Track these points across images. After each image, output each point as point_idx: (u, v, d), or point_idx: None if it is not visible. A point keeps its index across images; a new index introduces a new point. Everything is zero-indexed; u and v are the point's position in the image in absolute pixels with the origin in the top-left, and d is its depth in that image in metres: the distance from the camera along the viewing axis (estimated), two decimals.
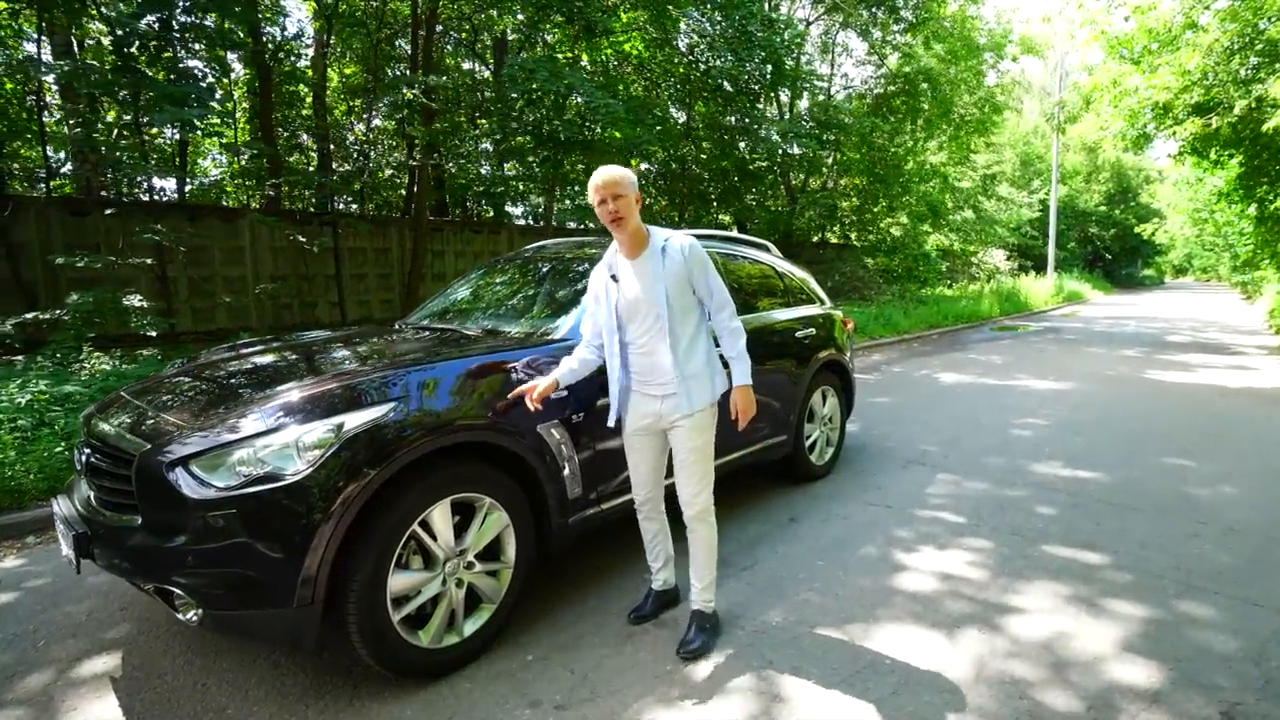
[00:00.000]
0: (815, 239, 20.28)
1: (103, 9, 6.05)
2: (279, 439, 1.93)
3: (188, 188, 11.63)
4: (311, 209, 11.16)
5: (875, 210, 17.91)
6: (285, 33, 10.49)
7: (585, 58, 11.81)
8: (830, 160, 17.87)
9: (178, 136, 10.67)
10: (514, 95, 9.35)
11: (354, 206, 12.90)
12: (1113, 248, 36.85)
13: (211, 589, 1.86)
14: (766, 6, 11.98)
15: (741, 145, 14.23)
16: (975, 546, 3.29)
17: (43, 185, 10.67)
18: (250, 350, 2.88)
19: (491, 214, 14.94)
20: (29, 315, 5.62)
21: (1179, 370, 8.67)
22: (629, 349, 2.33)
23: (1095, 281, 31.40)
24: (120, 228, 7.48)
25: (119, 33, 5.94)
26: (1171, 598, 2.80)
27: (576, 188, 13.53)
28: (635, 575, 2.93)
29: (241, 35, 8.69)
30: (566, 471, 2.53)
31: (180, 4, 6.75)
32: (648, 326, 2.27)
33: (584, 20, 9.03)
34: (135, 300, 6.22)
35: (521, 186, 12.93)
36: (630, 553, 3.15)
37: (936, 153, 19.56)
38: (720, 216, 19.33)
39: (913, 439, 5.26)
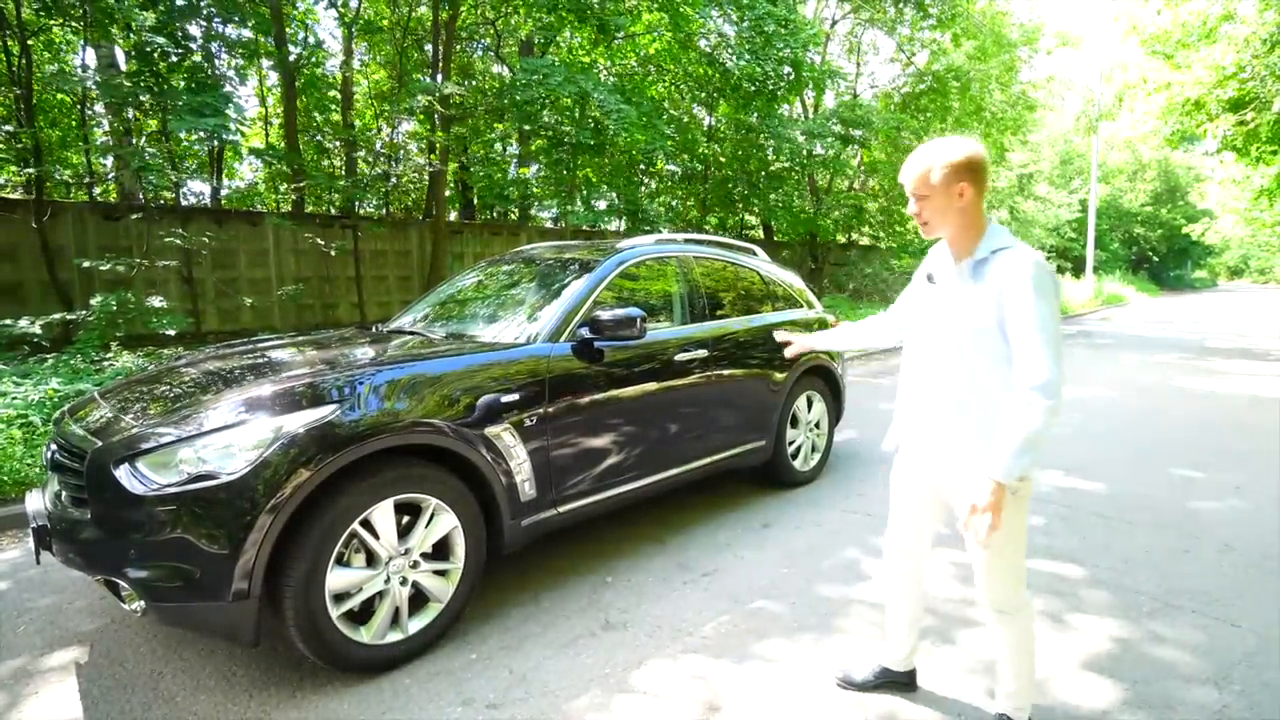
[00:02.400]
0: (843, 240, 20.01)
1: (131, 23, 6.30)
2: (220, 439, 2.01)
3: (224, 192, 12.07)
4: (333, 211, 11.46)
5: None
6: (310, 40, 10.77)
7: (603, 61, 11.89)
8: (856, 160, 17.62)
9: (214, 143, 11.10)
10: (528, 99, 9.45)
11: (384, 210, 13.23)
12: (1159, 249, 35.49)
13: (151, 581, 1.95)
14: (785, 7, 11.86)
15: (768, 147, 14.13)
16: (947, 558, 3.22)
17: (87, 190, 11.22)
18: (221, 353, 2.99)
19: (517, 216, 15.13)
20: (55, 316, 5.89)
21: (1212, 377, 8.32)
22: (927, 371, 1.87)
23: (1139, 284, 30.28)
24: (151, 232, 7.81)
25: (142, 38, 6.20)
26: (1145, 615, 2.71)
27: (587, 192, 13.61)
28: (592, 579, 2.95)
29: (270, 44, 9.01)
30: (518, 475, 2.57)
31: (203, 13, 7.03)
32: (947, 353, 1.80)
33: (598, 20, 9.09)
34: (156, 301, 6.48)
35: (537, 190, 13.06)
36: (587, 557, 3.17)
37: None
38: (746, 217, 19.23)
39: None
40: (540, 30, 10.74)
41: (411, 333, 3.15)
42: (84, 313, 6.18)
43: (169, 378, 2.62)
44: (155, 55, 6.71)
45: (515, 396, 2.56)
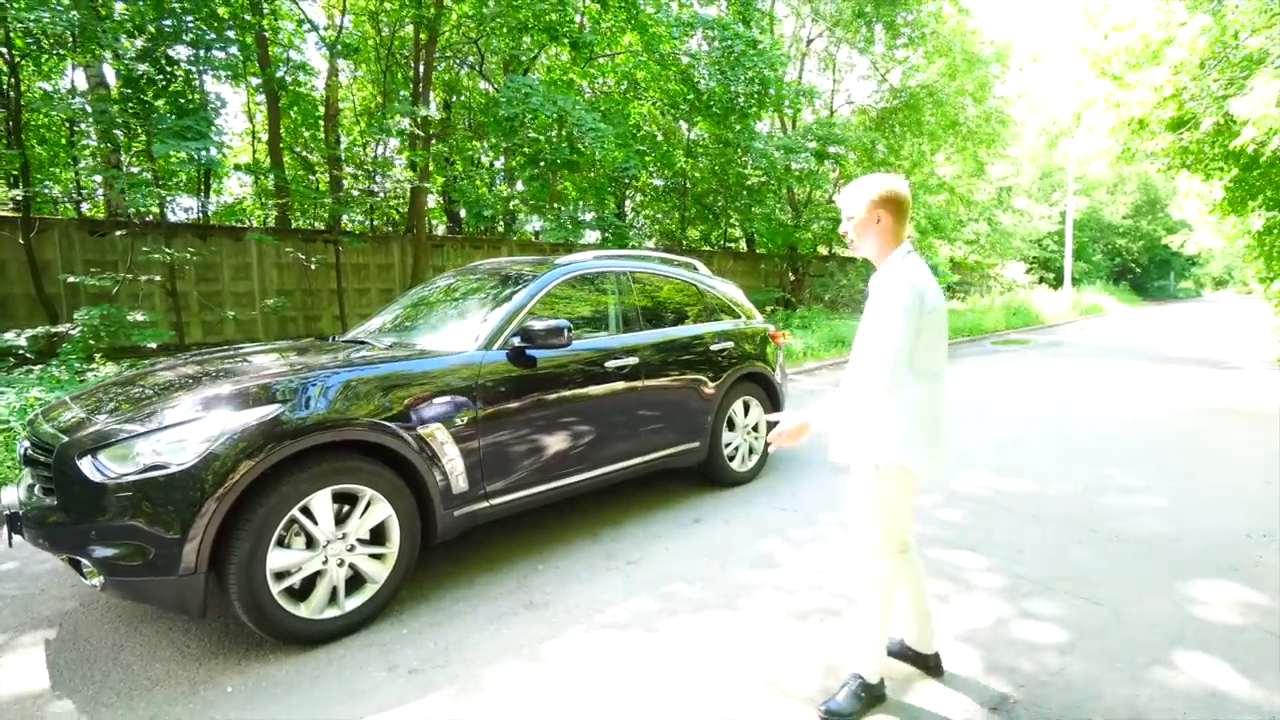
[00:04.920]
0: (824, 251, 20.41)
1: (115, 52, 6.61)
2: (173, 434, 2.28)
3: (212, 208, 12.37)
4: (318, 226, 11.76)
5: None
6: (294, 60, 11.11)
7: (579, 79, 12.27)
8: (835, 175, 18.05)
9: (201, 159, 11.41)
10: (510, 115, 9.80)
11: (368, 224, 13.54)
12: (1141, 260, 36.09)
13: (110, 559, 2.21)
14: (759, 29, 12.28)
15: (745, 162, 14.53)
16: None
17: (75, 207, 11.51)
18: (184, 360, 3.27)
19: (503, 230, 15.49)
20: (40, 330, 6.16)
21: (1166, 385, 8.65)
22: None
23: (1120, 294, 30.81)
24: (134, 247, 8.09)
25: (126, 66, 6.51)
26: (1021, 596, 2.99)
27: (572, 207, 13.99)
28: (524, 566, 3.23)
29: (251, 65, 9.34)
30: (451, 470, 2.85)
31: (187, 38, 7.36)
32: (857, 356, 2.09)
33: (570, 40, 9.47)
34: (139, 315, 6.74)
35: (517, 206, 13.43)
36: (522, 546, 3.45)
37: (944, 165, 19.61)
38: (730, 230, 19.62)
39: None
40: (513, 50, 11.12)
41: (361, 342, 3.44)
42: (68, 326, 6.44)
43: (135, 382, 2.90)
44: (142, 81, 7.04)
45: (447, 399, 2.84)
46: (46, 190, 10.24)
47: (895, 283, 2.00)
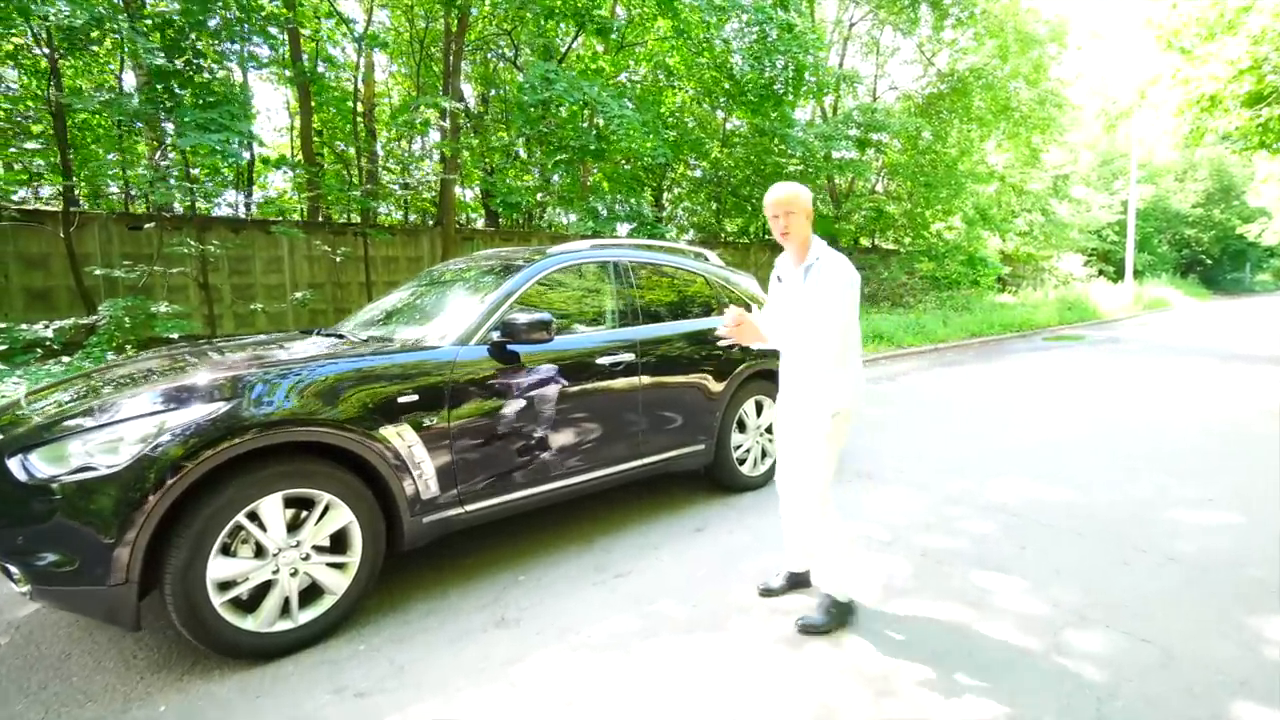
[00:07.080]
0: (867, 243, 19.73)
1: (143, 49, 6.65)
2: (109, 433, 2.14)
3: (253, 204, 12.59)
4: (354, 219, 11.83)
5: (927, 214, 17.26)
6: (325, 55, 11.18)
7: (609, 68, 12.03)
8: (878, 163, 17.37)
9: (247, 155, 11.54)
10: (534, 101, 9.63)
11: (404, 217, 13.61)
12: (1211, 251, 33.90)
13: (36, 566, 2.08)
14: (797, 12, 11.80)
15: (784, 150, 14.06)
16: (876, 564, 3.18)
17: (124, 202, 11.84)
18: (152, 354, 3.16)
19: (536, 222, 15.40)
20: (67, 321, 6.25)
21: (1233, 385, 7.94)
22: (786, 347, 2.58)
23: (1188, 287, 28.95)
24: (164, 240, 8.22)
25: (153, 61, 6.54)
26: (1057, 628, 2.63)
27: (609, 198, 13.77)
28: (505, 576, 3.01)
29: (288, 57, 9.40)
30: (418, 473, 2.65)
31: (215, 31, 7.39)
32: (794, 332, 2.50)
33: (596, 26, 9.23)
34: (163, 307, 6.81)
35: (544, 198, 13.30)
36: (508, 553, 3.24)
37: (996, 153, 18.68)
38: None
39: (877, 452, 5.08)
40: (540, 37, 10.94)
41: (339, 335, 3.27)
42: (95, 318, 6.53)
43: (93, 378, 2.79)
44: (170, 74, 7.09)
45: (414, 397, 2.64)
46: (110, 187, 10.51)
47: (832, 270, 2.41)
